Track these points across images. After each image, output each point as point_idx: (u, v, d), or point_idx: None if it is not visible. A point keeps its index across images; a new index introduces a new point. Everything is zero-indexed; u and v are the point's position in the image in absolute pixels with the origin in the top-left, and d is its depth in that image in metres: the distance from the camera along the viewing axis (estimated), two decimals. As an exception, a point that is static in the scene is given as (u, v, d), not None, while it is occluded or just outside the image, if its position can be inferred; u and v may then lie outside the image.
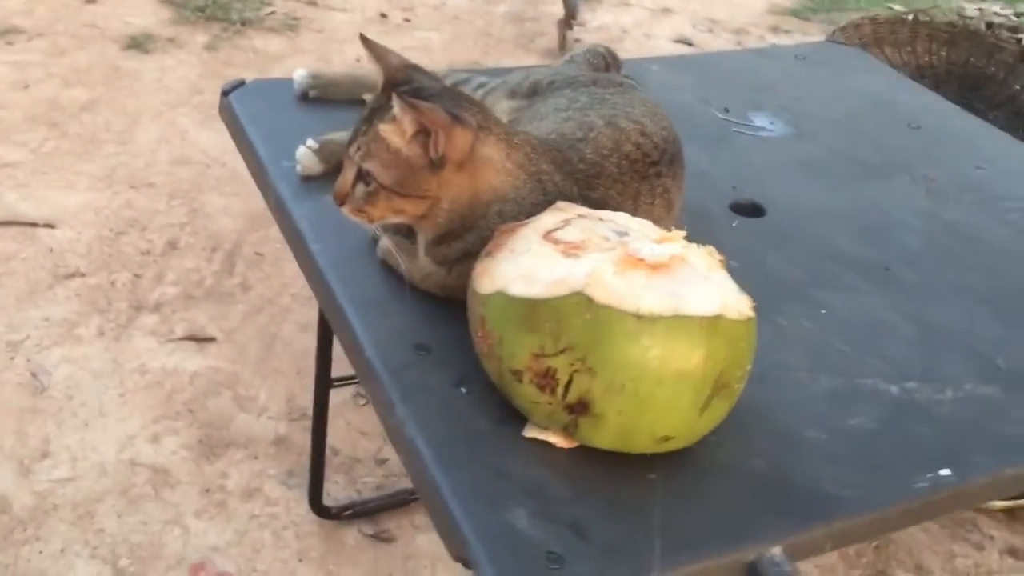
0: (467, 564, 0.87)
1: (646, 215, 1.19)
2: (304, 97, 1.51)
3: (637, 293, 0.89)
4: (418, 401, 1.01)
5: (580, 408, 0.91)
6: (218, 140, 3.05)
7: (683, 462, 0.96)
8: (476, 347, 0.99)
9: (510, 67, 1.71)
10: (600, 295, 0.89)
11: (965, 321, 1.23)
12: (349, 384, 1.87)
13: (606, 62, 1.67)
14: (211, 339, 2.35)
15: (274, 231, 2.80)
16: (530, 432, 0.98)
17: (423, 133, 1.04)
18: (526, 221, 1.03)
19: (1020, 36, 2.65)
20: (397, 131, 1.05)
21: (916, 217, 1.43)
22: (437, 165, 1.05)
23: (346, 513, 1.97)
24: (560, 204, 1.07)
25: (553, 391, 0.91)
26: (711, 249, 0.99)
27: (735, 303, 0.92)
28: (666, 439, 0.93)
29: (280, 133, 1.41)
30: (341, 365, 1.94)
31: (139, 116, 3.12)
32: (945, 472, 0.99)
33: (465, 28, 3.93)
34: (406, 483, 2.09)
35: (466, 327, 1.10)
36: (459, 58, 3.70)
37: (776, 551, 0.90)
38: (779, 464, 0.98)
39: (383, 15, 3.92)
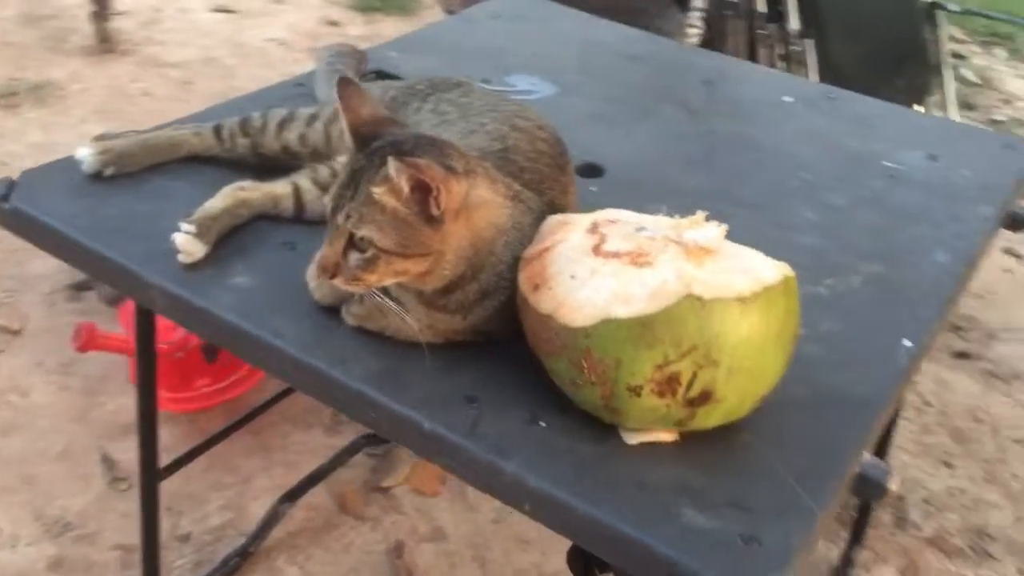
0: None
1: (573, 204, 1.24)
2: (98, 176, 1.30)
3: (725, 280, 0.96)
4: (516, 451, 0.99)
5: (701, 399, 0.97)
6: None
7: (761, 414, 1.05)
8: (570, 379, 0.99)
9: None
10: (705, 292, 0.94)
11: (807, 218, 1.44)
12: (176, 470, 1.68)
13: (357, 59, 1.65)
14: (-98, 482, 1.96)
15: None
16: (635, 438, 1.01)
17: (418, 190, 0.99)
18: (546, 244, 1.04)
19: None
20: (392, 192, 0.99)
21: (703, 139, 1.61)
22: (438, 220, 1.01)
23: (189, 605, 1.81)
24: (560, 217, 1.08)
25: (675, 394, 0.96)
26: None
27: (775, 263, 1.02)
28: (763, 398, 1.02)
29: (114, 226, 1.23)
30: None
31: None
32: (907, 343, 1.20)
33: (-20, 42, 3.42)
34: (224, 549, 1.94)
35: (496, 362, 1.10)
36: (-3, 77, 3.23)
37: (866, 455, 1.04)
38: (811, 380, 1.11)
39: None
